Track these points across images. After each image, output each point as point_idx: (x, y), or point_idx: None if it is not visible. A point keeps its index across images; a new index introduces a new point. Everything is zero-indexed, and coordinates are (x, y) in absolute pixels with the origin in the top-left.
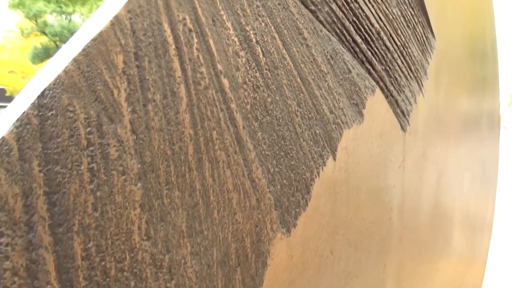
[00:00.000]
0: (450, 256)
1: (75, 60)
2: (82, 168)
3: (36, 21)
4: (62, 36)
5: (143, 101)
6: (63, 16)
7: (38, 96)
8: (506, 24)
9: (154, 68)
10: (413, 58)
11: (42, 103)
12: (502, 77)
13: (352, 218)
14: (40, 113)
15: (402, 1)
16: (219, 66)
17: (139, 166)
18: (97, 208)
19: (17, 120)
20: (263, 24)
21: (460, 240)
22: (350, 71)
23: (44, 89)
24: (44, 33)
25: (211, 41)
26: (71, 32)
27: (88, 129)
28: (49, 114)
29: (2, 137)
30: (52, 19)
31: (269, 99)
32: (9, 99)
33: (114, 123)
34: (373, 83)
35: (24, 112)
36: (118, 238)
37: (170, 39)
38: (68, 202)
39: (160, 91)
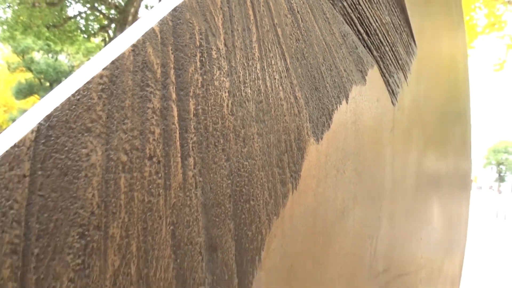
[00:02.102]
0: (429, 235)
1: None
2: (196, 58)
3: (23, 57)
4: (46, 74)
5: (231, 29)
6: (50, 55)
7: (172, 10)
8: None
9: (237, 11)
10: (400, 55)
11: (175, 14)
12: (476, 139)
13: (358, 153)
14: (173, 20)
15: (392, 13)
16: (276, 20)
17: (227, 67)
18: (203, 85)
19: (160, 20)
20: (301, 1)
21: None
22: (357, 48)
23: (176, 7)
24: (29, 69)
25: (271, 3)
26: (56, 71)
27: (200, 36)
28: (178, 21)
29: (152, 27)
30: (39, 56)
31: (305, 49)
32: None
33: (215, 37)
34: (373, 60)
35: (164, 17)
36: (215, 108)
37: None
38: (187, 77)
39: (241, 26)
